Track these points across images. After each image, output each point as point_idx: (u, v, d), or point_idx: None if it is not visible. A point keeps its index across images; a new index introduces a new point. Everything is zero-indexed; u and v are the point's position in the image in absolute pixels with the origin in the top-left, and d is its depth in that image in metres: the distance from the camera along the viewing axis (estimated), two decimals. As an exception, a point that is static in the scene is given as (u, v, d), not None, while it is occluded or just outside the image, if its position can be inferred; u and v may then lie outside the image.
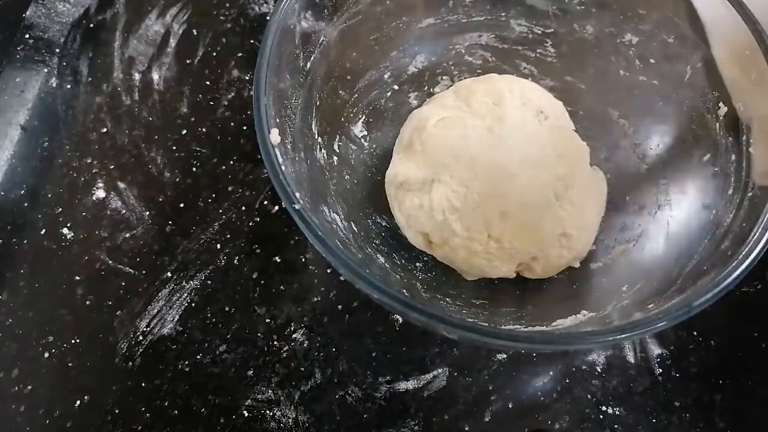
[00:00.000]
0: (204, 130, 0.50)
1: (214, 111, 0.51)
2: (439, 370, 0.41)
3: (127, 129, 0.49)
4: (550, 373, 0.42)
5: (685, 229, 0.39)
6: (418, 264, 0.42)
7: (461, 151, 0.42)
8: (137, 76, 0.52)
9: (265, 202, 0.47)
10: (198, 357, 0.41)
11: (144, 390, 0.40)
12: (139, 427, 0.39)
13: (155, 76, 0.52)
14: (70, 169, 0.47)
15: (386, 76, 0.48)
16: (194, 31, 0.55)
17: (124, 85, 0.52)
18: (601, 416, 0.40)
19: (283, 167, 0.32)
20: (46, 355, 0.41)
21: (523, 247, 0.40)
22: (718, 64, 0.39)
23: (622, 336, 0.30)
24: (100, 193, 0.47)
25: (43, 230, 0.45)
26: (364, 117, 0.47)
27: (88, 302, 0.43)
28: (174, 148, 0.49)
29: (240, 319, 0.42)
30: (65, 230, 0.45)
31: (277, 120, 0.34)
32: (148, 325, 0.42)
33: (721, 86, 0.39)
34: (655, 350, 0.42)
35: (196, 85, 0.52)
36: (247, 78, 0.52)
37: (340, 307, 0.43)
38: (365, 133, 0.47)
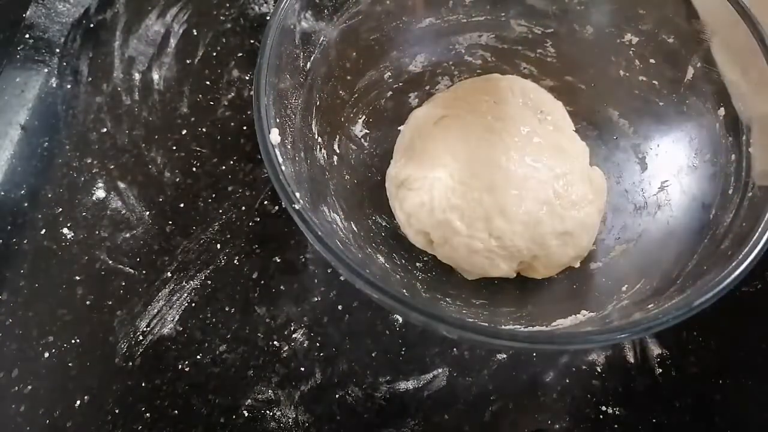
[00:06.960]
0: (204, 130, 0.50)
1: (214, 111, 0.51)
2: (439, 370, 0.41)
3: (127, 129, 0.49)
4: (550, 373, 0.42)
5: (685, 229, 0.39)
6: (418, 264, 0.42)
7: (462, 149, 0.42)
8: (137, 76, 0.52)
9: (265, 202, 0.47)
10: (198, 357, 0.41)
11: (144, 390, 0.40)
12: (139, 427, 0.39)
13: (155, 76, 0.52)
14: (70, 169, 0.47)
15: (386, 76, 0.48)
16: (194, 31, 0.55)
17: (124, 85, 0.52)
18: (601, 416, 0.40)
19: (283, 167, 0.32)
20: (46, 355, 0.41)
21: (524, 246, 0.40)
22: (718, 64, 0.39)
23: (622, 336, 0.30)
24: (100, 193, 0.47)
25: (43, 230, 0.45)
26: (364, 117, 0.47)
27: (88, 302, 0.43)
28: (174, 148, 0.49)
29: (240, 319, 0.42)
30: (65, 230, 0.45)
31: (277, 120, 0.34)
32: (148, 325, 0.42)
33: (721, 86, 0.39)
34: (655, 350, 0.42)
35: (196, 85, 0.52)
36: (247, 78, 0.52)
37: (340, 307, 0.43)
38: (365, 133, 0.46)
